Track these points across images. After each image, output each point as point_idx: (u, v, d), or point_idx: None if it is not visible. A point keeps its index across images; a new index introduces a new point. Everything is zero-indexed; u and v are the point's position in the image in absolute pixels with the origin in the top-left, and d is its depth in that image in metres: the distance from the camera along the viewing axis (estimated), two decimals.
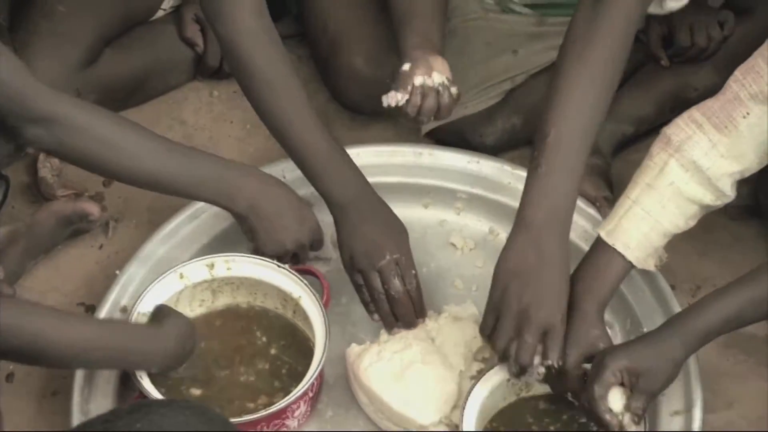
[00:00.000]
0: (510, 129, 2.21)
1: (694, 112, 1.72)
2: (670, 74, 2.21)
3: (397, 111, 1.91)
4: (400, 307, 1.87)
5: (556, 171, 1.69)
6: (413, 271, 1.88)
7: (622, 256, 1.71)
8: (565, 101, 1.69)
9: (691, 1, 2.08)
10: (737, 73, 1.72)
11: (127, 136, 1.79)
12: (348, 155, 1.90)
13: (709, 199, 1.72)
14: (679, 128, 1.72)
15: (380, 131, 2.29)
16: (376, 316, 1.89)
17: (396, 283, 1.86)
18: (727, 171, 1.70)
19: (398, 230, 1.90)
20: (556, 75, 1.72)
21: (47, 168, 2.14)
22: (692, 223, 1.74)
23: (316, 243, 1.93)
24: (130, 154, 1.79)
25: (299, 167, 1.90)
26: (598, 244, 1.73)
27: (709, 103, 1.72)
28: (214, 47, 2.28)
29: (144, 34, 2.29)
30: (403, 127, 2.25)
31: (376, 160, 2.07)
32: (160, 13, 2.31)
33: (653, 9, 1.86)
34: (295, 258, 1.91)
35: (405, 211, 1.97)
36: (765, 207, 2.04)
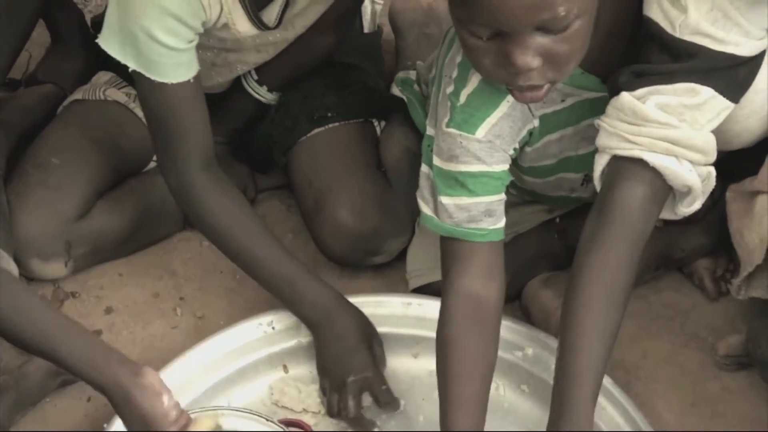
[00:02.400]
0: None
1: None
2: (657, 233, 2.22)
3: None
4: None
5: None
6: (384, 387, 1.91)
7: None
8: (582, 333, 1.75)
9: None
10: None
11: None
12: (314, 275, 2.04)
13: None
14: None
15: (368, 281, 2.29)
16: None
17: (350, 406, 1.94)
18: None
19: (367, 345, 1.96)
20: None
21: None
22: None
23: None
24: None
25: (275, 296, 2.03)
26: None
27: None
28: None
29: (135, 186, 2.31)
30: (392, 277, 2.26)
31: (365, 310, 2.08)
32: (151, 165, 2.33)
33: (666, 215, 1.88)
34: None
35: (394, 361, 1.99)
36: (756, 359, 2.04)
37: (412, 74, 2.32)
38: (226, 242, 2.04)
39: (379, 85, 2.42)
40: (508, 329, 2.01)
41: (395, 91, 2.33)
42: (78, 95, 2.35)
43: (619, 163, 1.80)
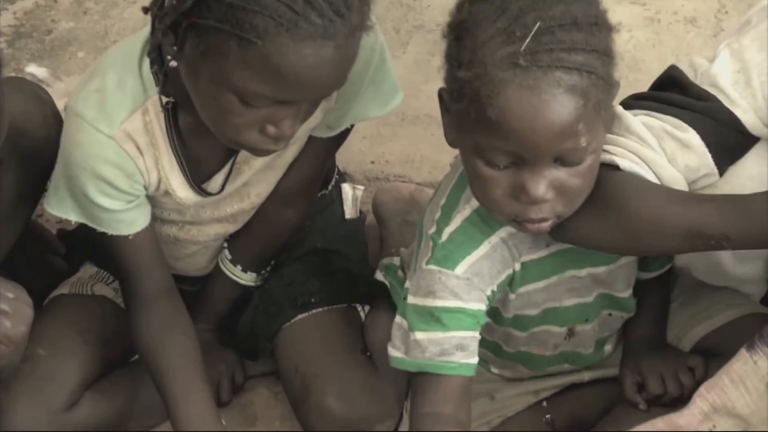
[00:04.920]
0: None
1: (658, 422, 1.75)
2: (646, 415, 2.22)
3: None
4: None
5: None
6: None
7: None
8: None
9: (659, 349, 2.15)
10: (702, 389, 1.75)
11: None
12: None
13: None
14: None
15: None
16: None
17: None
18: None
19: None
20: None
21: None
22: None
23: None
24: None
25: None
26: None
27: (674, 418, 1.75)
28: None
29: (123, 377, 2.32)
30: None
31: None
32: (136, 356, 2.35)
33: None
34: None
35: None
36: None
37: (396, 260, 2.35)
38: (150, 368, 2.16)
39: (363, 271, 2.43)
40: None
41: (379, 276, 2.36)
42: (64, 289, 2.37)
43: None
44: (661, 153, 1.82)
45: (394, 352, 1.97)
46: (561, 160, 1.73)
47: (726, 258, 2.01)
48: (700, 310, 2.17)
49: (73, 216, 2.05)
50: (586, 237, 1.85)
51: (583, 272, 2.01)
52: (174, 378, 2.14)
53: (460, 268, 1.90)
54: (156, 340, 2.15)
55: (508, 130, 1.69)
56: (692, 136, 1.83)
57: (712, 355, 2.15)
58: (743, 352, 1.75)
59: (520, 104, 1.68)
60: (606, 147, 1.82)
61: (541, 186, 1.73)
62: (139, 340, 2.18)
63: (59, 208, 2.06)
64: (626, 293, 2.10)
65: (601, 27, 1.75)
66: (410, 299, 1.94)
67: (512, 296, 2.00)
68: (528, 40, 1.67)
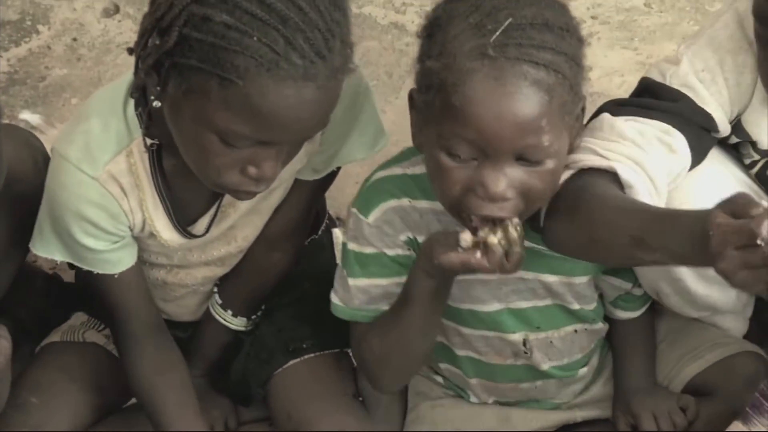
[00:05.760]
0: None
1: None
2: None
3: None
4: None
5: None
6: None
7: None
8: None
9: (650, 390, 2.16)
10: None
11: None
12: None
13: None
14: None
15: None
16: None
17: None
18: None
19: None
20: None
21: None
22: None
23: None
24: None
25: None
26: None
27: None
28: None
29: (116, 423, 2.33)
30: None
31: None
32: (132, 401, 2.34)
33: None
34: None
35: None
36: None
37: None
38: (146, 407, 2.18)
39: None
40: None
41: None
42: (56, 337, 2.37)
43: (584, 175, 1.83)
44: (654, 156, 1.85)
45: (334, 298, 2.08)
46: (522, 159, 1.75)
47: (686, 273, 2.03)
48: (688, 350, 2.18)
49: (58, 256, 2.06)
50: (560, 241, 1.86)
51: (530, 275, 2.02)
52: (171, 415, 2.16)
53: (372, 216, 2.00)
54: (150, 378, 2.17)
55: (471, 117, 1.72)
56: (679, 141, 1.88)
57: (703, 395, 2.16)
58: (738, 424, 1.76)
59: (485, 93, 1.72)
60: (604, 153, 1.84)
61: (500, 182, 1.75)
62: (133, 380, 2.18)
63: (45, 249, 2.07)
64: (578, 305, 2.11)
65: (572, 34, 1.79)
66: (348, 244, 2.04)
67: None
68: (498, 33, 1.72)
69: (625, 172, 1.82)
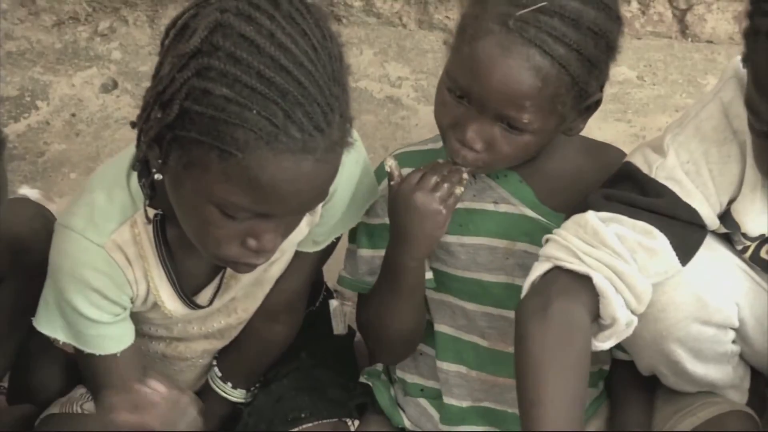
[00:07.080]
0: None
1: None
2: None
3: None
4: None
5: None
6: None
7: None
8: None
9: None
10: None
11: None
12: None
13: None
14: None
15: None
16: None
17: None
18: None
19: None
20: None
21: None
22: None
23: None
24: None
25: None
26: None
27: None
28: None
29: None
30: None
31: None
32: None
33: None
34: None
35: None
36: None
37: (379, 366, 2.41)
38: None
39: (353, 386, 2.43)
40: None
41: (363, 379, 2.40)
42: (55, 409, 2.36)
43: (560, 275, 1.87)
44: (633, 265, 1.88)
45: (342, 271, 2.20)
46: (502, 121, 1.89)
47: (683, 356, 2.06)
48: (682, 407, 2.19)
49: (61, 335, 2.06)
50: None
51: (536, 249, 2.04)
52: None
53: (382, 186, 2.12)
54: None
55: (470, 68, 1.87)
56: (661, 243, 1.90)
57: None
58: None
59: (488, 56, 1.86)
60: (582, 258, 1.87)
61: (470, 130, 1.90)
62: None
63: (48, 327, 2.07)
64: None
65: (601, 37, 1.88)
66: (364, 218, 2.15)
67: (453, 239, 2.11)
68: (527, 10, 1.84)
69: (600, 281, 1.86)
